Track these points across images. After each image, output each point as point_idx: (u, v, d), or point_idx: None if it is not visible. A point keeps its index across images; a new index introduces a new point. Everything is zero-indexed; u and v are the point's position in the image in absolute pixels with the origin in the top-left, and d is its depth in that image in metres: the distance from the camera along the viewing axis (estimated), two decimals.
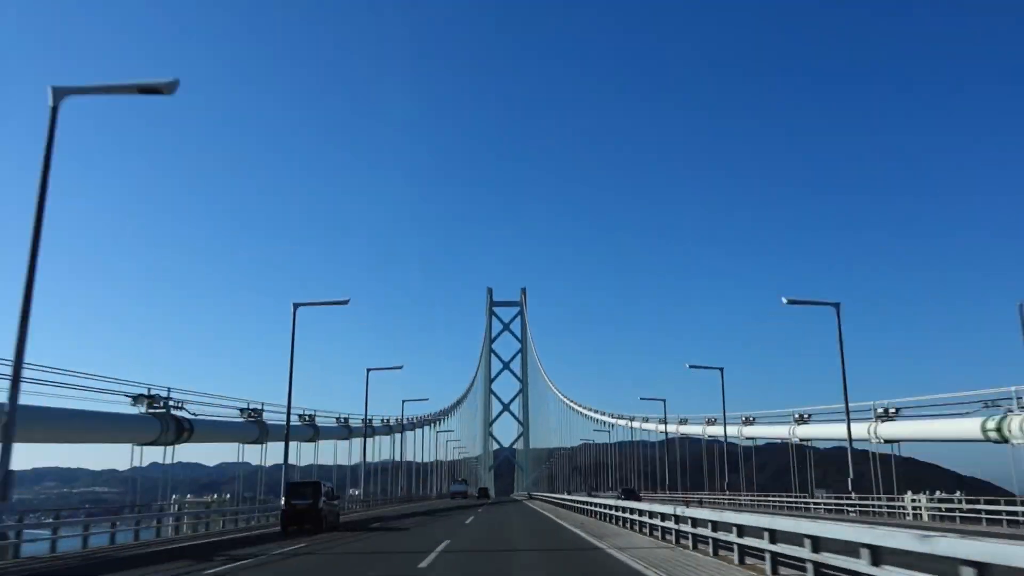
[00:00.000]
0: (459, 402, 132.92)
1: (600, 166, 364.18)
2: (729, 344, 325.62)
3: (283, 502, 31.45)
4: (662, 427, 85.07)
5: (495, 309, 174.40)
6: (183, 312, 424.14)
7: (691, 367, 56.82)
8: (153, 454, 37.52)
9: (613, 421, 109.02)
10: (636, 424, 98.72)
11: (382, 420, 79.92)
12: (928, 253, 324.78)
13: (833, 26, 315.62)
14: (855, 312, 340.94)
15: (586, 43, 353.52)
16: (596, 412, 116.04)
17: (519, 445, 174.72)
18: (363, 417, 64.83)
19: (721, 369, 55.80)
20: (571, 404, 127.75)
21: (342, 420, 65.82)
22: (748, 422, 65.87)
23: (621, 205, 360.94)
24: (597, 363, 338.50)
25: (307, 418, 59.03)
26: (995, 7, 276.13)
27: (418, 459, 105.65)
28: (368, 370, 59.43)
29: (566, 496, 64.85)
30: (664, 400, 77.15)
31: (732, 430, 64.58)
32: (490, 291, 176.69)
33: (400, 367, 60.94)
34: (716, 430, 70.68)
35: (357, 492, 72.33)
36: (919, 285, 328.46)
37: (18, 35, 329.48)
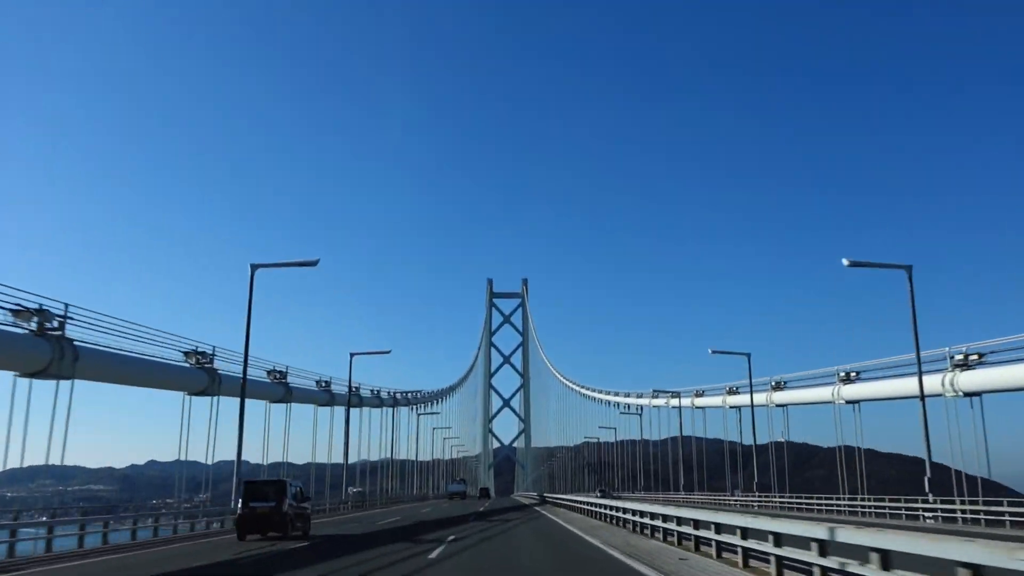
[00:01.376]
0: (452, 388, 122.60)
1: (600, 165, 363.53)
2: (731, 342, 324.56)
3: (240, 505, 27.01)
4: (733, 399, 65.39)
5: (495, 301, 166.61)
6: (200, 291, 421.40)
7: (852, 264, 36.22)
8: (151, 452, 37.05)
9: (644, 402, 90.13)
10: (686, 401, 76.60)
11: (320, 383, 59.57)
12: (928, 252, 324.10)
13: (833, 26, 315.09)
14: (856, 310, 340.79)
15: (586, 43, 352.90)
16: (619, 395, 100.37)
17: (519, 443, 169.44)
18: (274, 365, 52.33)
19: (909, 268, 36.65)
20: (584, 391, 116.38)
21: (276, 375, 51.79)
22: (964, 363, 40.14)
23: (621, 204, 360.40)
24: (599, 364, 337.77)
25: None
26: (995, 7, 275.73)
27: (411, 456, 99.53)
28: (253, 266, 36.08)
29: (608, 502, 36.47)
30: (748, 354, 57.76)
31: (933, 382, 40.31)
32: (490, 282, 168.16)
33: (315, 262, 36.11)
34: (856, 391, 50.70)
35: (355, 490, 71.49)
36: (920, 284, 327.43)
37: (17, 30, 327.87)
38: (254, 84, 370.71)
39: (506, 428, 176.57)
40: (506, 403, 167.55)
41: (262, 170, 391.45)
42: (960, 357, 39.52)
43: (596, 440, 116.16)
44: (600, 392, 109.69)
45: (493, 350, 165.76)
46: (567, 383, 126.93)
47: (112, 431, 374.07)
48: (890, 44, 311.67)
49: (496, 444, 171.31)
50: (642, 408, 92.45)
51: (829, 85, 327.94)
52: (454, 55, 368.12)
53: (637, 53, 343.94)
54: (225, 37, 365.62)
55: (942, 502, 37.68)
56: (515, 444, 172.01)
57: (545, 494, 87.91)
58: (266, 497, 26.61)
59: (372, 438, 78.64)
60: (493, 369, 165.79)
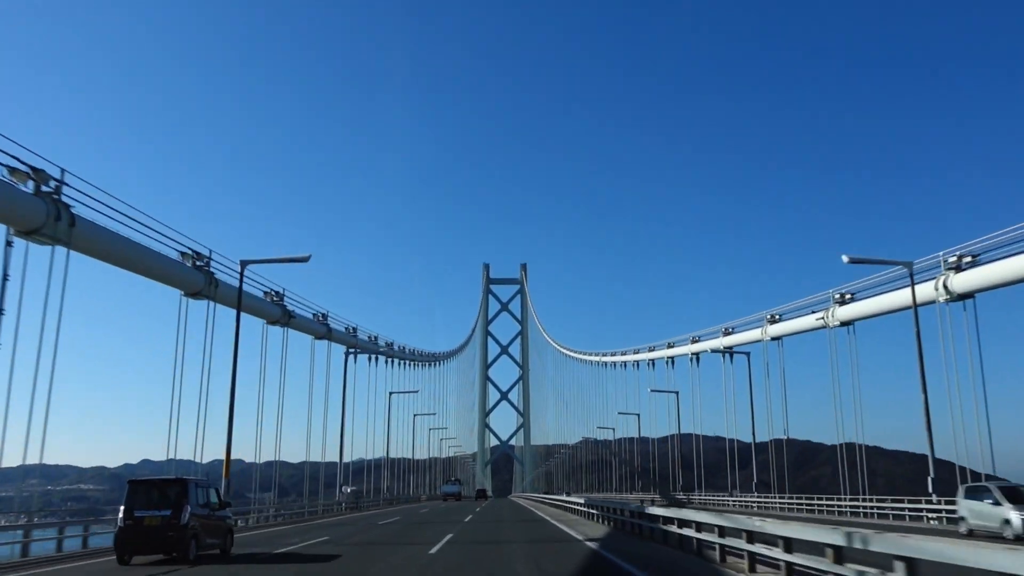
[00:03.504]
0: (437, 358, 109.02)
1: (599, 154, 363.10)
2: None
3: (121, 514, 19.76)
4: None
5: (492, 287, 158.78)
6: None
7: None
8: (146, 450, 34.79)
9: (712, 344, 60.02)
10: (843, 310, 44.82)
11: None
12: (928, 242, 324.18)
13: (835, 16, 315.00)
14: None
15: (584, 28, 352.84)
16: (672, 347, 69.57)
17: (516, 440, 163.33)
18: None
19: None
20: (607, 359, 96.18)
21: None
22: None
23: (620, 194, 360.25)
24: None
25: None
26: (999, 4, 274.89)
27: (403, 453, 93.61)
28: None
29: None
30: None
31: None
32: (486, 267, 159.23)
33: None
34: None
35: (350, 490, 69.39)
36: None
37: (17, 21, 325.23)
38: (253, 67, 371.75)
39: (505, 424, 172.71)
40: (504, 396, 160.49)
41: (259, 153, 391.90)
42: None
43: (636, 417, 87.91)
44: (628, 353, 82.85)
45: (490, 340, 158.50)
46: (580, 356, 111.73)
47: (108, 429, 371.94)
48: (887, 34, 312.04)
49: (494, 441, 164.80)
50: (695, 358, 64.42)
51: (826, 72, 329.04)
52: (453, 42, 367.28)
53: (634, 39, 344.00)
54: (223, 21, 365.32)
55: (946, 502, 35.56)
56: (512, 442, 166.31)
57: (590, 497, 50.05)
58: (160, 503, 19.64)
59: (369, 437, 77.15)
60: (490, 360, 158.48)
